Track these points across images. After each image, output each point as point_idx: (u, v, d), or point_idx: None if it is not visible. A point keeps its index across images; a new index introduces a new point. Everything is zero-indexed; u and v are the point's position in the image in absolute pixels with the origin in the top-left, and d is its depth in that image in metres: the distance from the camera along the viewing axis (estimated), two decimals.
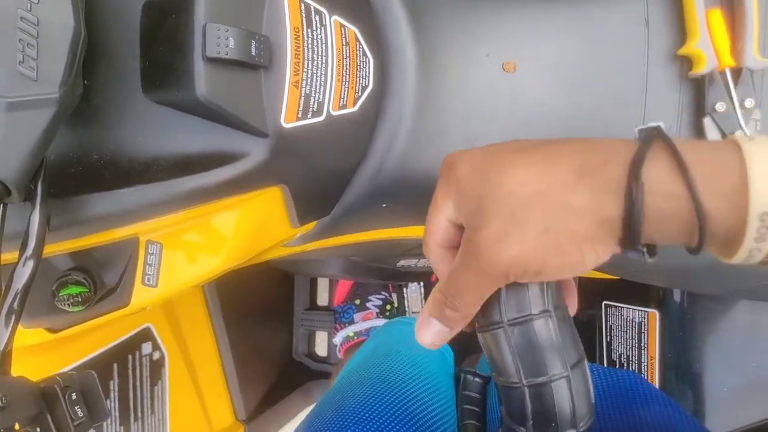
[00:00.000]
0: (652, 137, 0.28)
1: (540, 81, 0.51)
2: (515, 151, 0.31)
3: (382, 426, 0.47)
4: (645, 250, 0.28)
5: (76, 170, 0.39)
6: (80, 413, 0.36)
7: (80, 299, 0.43)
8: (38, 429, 0.32)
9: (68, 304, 0.43)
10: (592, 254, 0.29)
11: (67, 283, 0.43)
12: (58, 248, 0.42)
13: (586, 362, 0.33)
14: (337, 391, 0.54)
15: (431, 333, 0.33)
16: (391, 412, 0.49)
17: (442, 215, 0.33)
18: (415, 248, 0.78)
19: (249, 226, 0.44)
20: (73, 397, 0.36)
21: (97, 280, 0.45)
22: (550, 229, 0.28)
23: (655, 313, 0.78)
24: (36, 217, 0.34)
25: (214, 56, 0.35)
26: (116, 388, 0.68)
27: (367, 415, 0.48)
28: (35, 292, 0.40)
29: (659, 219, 0.27)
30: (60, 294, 0.43)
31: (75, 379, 0.37)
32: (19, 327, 0.39)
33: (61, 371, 0.60)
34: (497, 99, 0.50)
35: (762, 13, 0.49)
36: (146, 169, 0.39)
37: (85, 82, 0.37)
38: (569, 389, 0.32)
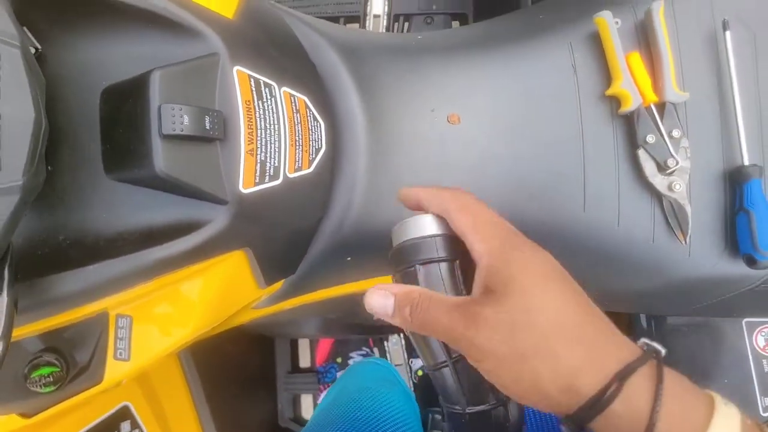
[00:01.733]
0: (649, 356, 0.30)
1: (484, 130, 0.54)
2: (567, 282, 0.33)
3: None
4: (567, 428, 0.30)
5: (42, 252, 0.40)
6: None
7: (52, 379, 0.43)
8: None
9: (40, 385, 0.43)
10: (542, 400, 0.30)
11: (39, 364, 0.43)
12: (27, 330, 0.42)
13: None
14: (309, 430, 0.54)
15: (379, 304, 0.34)
16: None
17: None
18: None
19: (216, 291, 0.45)
20: None
21: (69, 359, 0.45)
22: (538, 358, 0.29)
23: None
24: (3, 301, 0.35)
25: (170, 133, 0.37)
26: None
27: None
28: (6, 376, 0.41)
29: (613, 424, 0.28)
30: (32, 376, 0.43)
31: None
32: None
33: None
34: (445, 149, 0.53)
35: (675, 51, 0.53)
36: (111, 244, 0.41)
37: (48, 167, 0.39)
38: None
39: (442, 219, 0.37)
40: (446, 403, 0.36)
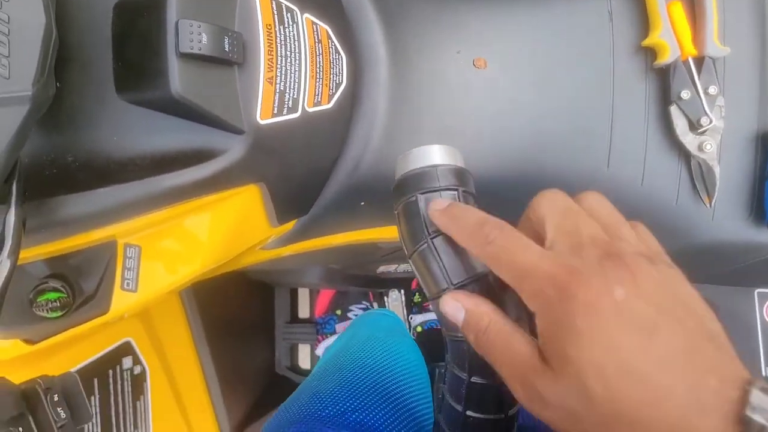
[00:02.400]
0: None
1: (510, 76, 0.52)
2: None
3: (360, 405, 0.47)
4: None
5: (51, 172, 0.39)
6: (63, 414, 0.35)
7: (59, 304, 0.42)
8: (20, 429, 0.31)
9: (46, 310, 0.42)
10: None
11: (45, 290, 0.42)
12: (34, 253, 0.41)
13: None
14: (314, 377, 0.54)
15: (452, 313, 0.32)
16: (370, 393, 0.49)
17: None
18: (394, 252, 0.78)
19: (227, 226, 0.44)
20: (55, 398, 0.35)
21: (75, 286, 0.44)
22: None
23: None
24: (12, 218, 0.34)
25: (187, 52, 0.35)
26: (98, 404, 0.67)
27: (344, 396, 0.48)
28: (11, 300, 0.40)
29: None
30: (38, 300, 0.42)
31: (56, 381, 0.36)
32: None
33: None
34: (469, 95, 0.51)
35: (720, 3, 0.51)
36: (122, 168, 0.39)
37: (58, 84, 0.37)
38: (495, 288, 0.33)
39: (447, 150, 0.36)
40: (448, 332, 0.35)
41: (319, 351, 1.13)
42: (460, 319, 0.31)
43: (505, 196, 0.55)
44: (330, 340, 1.11)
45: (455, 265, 0.33)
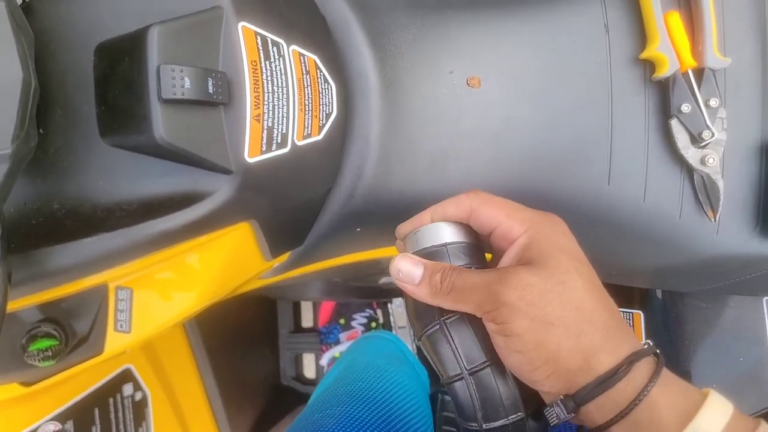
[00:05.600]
0: (653, 350, 0.32)
1: (505, 94, 0.50)
2: (593, 272, 0.34)
3: None
4: (563, 407, 0.31)
5: (37, 221, 0.38)
6: None
7: (50, 353, 0.41)
8: None
9: (38, 359, 0.41)
10: (553, 373, 0.31)
11: (37, 336, 0.42)
12: (23, 303, 0.40)
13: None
14: (315, 409, 0.53)
15: (407, 270, 0.34)
16: (371, 428, 0.48)
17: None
18: None
19: (220, 265, 0.43)
20: None
21: (68, 329, 0.43)
22: (563, 330, 0.31)
23: (639, 314, 0.78)
24: None
25: (170, 98, 0.34)
26: None
27: None
28: (4, 347, 0.39)
29: (612, 400, 0.30)
30: (30, 349, 0.41)
31: None
32: None
33: (40, 422, 0.58)
34: (464, 115, 0.50)
35: (719, 13, 0.49)
36: (109, 215, 0.38)
37: (40, 130, 0.36)
38: (509, 374, 0.33)
39: (455, 227, 0.36)
40: (462, 420, 0.34)
41: (324, 361, 1.12)
42: (418, 274, 0.34)
43: None
44: (334, 350, 1.10)
45: (468, 350, 0.33)
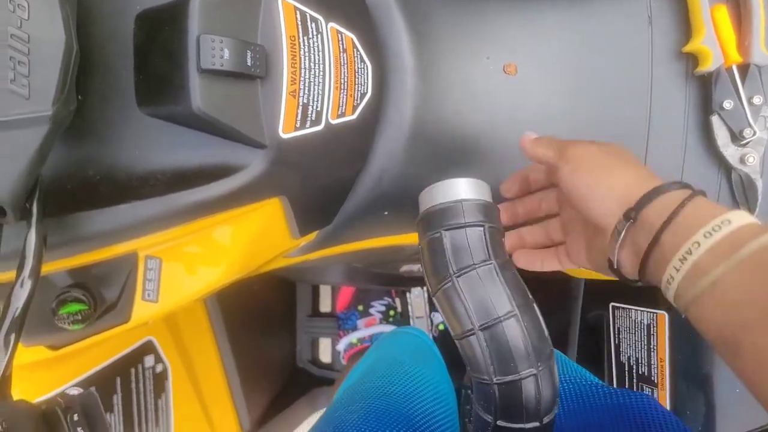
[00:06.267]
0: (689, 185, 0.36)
1: (542, 83, 0.50)
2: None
3: None
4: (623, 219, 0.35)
5: (72, 187, 0.38)
6: None
7: (80, 317, 0.42)
8: None
9: (68, 323, 0.42)
10: (602, 199, 0.37)
11: (67, 300, 0.42)
12: (56, 266, 0.41)
13: (535, 306, 0.35)
14: (337, 406, 0.53)
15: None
16: (395, 424, 0.48)
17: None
18: (418, 253, 0.77)
19: (249, 240, 0.43)
20: (75, 418, 0.35)
21: (97, 296, 0.44)
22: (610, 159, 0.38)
23: (664, 315, 0.76)
24: (32, 237, 0.33)
25: (209, 68, 0.34)
26: (119, 403, 0.67)
27: (370, 428, 0.47)
28: (35, 310, 0.39)
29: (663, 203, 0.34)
30: (60, 312, 0.42)
31: (76, 401, 0.36)
32: (20, 345, 0.39)
33: (64, 387, 0.59)
34: (498, 102, 0.49)
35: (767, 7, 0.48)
36: (143, 184, 0.38)
37: (79, 96, 0.36)
38: (521, 327, 0.33)
39: (471, 184, 0.35)
40: (474, 373, 0.34)
41: (340, 347, 1.13)
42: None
43: None
44: (351, 336, 1.10)
45: (480, 305, 0.32)
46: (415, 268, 0.93)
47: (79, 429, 0.35)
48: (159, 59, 0.36)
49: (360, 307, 1.13)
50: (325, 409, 0.56)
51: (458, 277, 0.33)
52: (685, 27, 0.49)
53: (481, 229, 0.34)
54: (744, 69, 0.48)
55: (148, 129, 0.39)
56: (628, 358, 0.83)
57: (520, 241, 0.47)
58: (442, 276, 0.34)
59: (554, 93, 0.50)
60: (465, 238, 0.34)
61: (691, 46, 0.48)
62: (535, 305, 0.35)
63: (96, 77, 0.38)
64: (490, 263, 0.34)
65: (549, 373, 0.33)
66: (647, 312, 0.79)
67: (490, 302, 0.32)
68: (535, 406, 0.32)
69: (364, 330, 1.10)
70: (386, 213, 0.52)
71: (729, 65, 0.48)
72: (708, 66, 0.47)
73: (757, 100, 0.47)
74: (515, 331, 0.32)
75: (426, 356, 0.62)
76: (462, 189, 0.35)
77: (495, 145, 0.50)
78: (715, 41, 0.47)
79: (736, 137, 0.48)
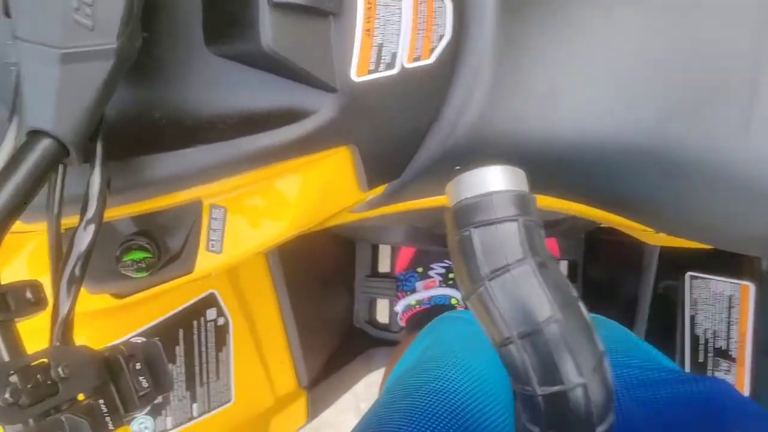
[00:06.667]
0: None
1: (638, 23, 0.45)
2: None
3: None
4: None
5: (136, 129, 0.37)
6: (144, 384, 0.34)
7: (144, 265, 0.41)
8: (101, 400, 0.30)
9: (132, 270, 0.42)
10: None
11: (131, 248, 0.42)
12: (119, 212, 0.40)
13: (581, 305, 0.31)
14: (382, 402, 0.50)
15: None
16: (442, 423, 0.45)
17: None
18: None
19: (316, 189, 0.41)
20: (138, 367, 0.34)
21: (161, 245, 0.43)
22: None
23: (748, 286, 0.71)
24: (96, 179, 0.32)
25: (280, 1, 0.31)
26: (182, 354, 0.68)
27: (414, 428, 0.44)
28: (99, 257, 0.39)
29: None
30: (123, 259, 0.41)
31: (139, 349, 0.35)
32: (84, 292, 0.38)
33: (127, 337, 0.60)
34: (587, 45, 0.45)
35: None
36: (210, 127, 0.37)
37: (145, 34, 0.35)
38: (564, 333, 0.29)
39: (504, 171, 0.31)
40: (516, 383, 0.30)
41: (399, 308, 1.11)
42: None
43: (619, 169, 0.48)
44: (410, 299, 1.09)
45: (517, 311, 0.29)
46: None
47: (140, 377, 0.34)
48: None
49: (419, 269, 1.11)
50: (383, 372, 0.55)
51: (491, 280, 0.30)
52: None
53: (516, 223, 0.30)
54: None
55: (216, 69, 0.37)
56: (705, 330, 0.78)
57: None
58: (474, 280, 0.31)
59: (652, 35, 0.44)
60: (497, 236, 0.30)
61: None
62: (581, 304, 0.31)
63: (162, 14, 0.37)
64: (527, 263, 0.30)
65: (600, 380, 0.30)
66: (729, 282, 0.74)
67: (529, 307, 0.29)
68: (586, 417, 0.29)
69: (423, 292, 1.08)
70: (458, 168, 0.49)
71: None
72: None
73: None
74: (558, 339, 0.29)
75: (478, 344, 0.59)
76: (492, 179, 0.31)
77: (578, 96, 0.46)
78: None
79: None
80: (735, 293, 0.73)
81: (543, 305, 0.29)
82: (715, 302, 0.76)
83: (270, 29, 0.32)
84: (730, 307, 0.74)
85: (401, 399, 0.49)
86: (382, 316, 1.22)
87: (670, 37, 0.44)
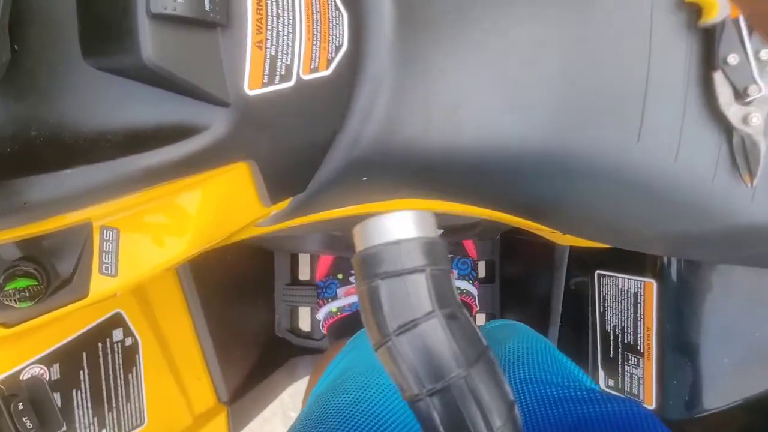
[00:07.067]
0: None
1: (533, 38, 0.46)
2: None
3: None
4: None
5: (12, 149, 0.34)
6: (29, 425, 0.32)
7: (28, 294, 0.38)
8: None
9: (15, 300, 0.38)
10: None
11: (15, 274, 0.39)
12: (1, 238, 0.37)
13: (491, 354, 0.31)
14: (302, 425, 0.49)
15: None
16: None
17: None
18: None
19: (214, 208, 0.39)
20: (20, 407, 0.32)
21: (50, 270, 0.40)
22: None
23: (651, 283, 0.75)
24: None
25: (160, 12, 0.30)
26: (86, 379, 0.64)
27: None
28: None
29: None
30: (6, 288, 0.38)
31: (22, 386, 0.33)
32: None
33: (24, 365, 0.56)
34: (484, 54, 0.45)
35: None
36: (92, 146, 0.34)
37: (15, 47, 0.32)
38: (475, 388, 0.29)
39: (411, 218, 0.32)
40: None
41: (320, 316, 1.10)
42: None
43: (523, 176, 0.50)
44: (331, 305, 1.08)
45: (423, 369, 0.29)
46: None
47: (24, 418, 0.32)
48: (104, 2, 0.32)
49: (340, 276, 1.11)
50: (306, 384, 0.54)
51: (399, 335, 0.30)
52: None
53: (423, 275, 0.30)
54: None
55: (95, 83, 0.34)
56: (614, 327, 0.82)
57: None
58: (382, 333, 0.30)
59: (546, 48, 0.46)
60: (405, 288, 0.30)
61: None
62: (491, 353, 0.31)
63: (34, 25, 0.34)
64: (435, 316, 0.30)
65: (510, 430, 0.30)
66: (634, 280, 0.78)
67: (436, 363, 0.29)
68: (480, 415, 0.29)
69: (344, 299, 1.07)
70: (365, 179, 0.48)
71: (735, 16, 0.44)
72: (713, 17, 0.44)
73: (765, 54, 0.44)
74: (466, 394, 0.29)
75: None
76: (400, 225, 0.31)
77: (479, 106, 0.46)
78: None
79: (740, 95, 0.45)
80: (639, 290, 0.77)
81: (450, 361, 0.29)
82: (622, 299, 0.80)
83: (150, 41, 0.30)
84: (636, 304, 0.78)
85: (318, 425, 0.48)
86: (304, 323, 1.20)
87: (565, 54, 0.46)
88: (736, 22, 0.44)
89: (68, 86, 0.34)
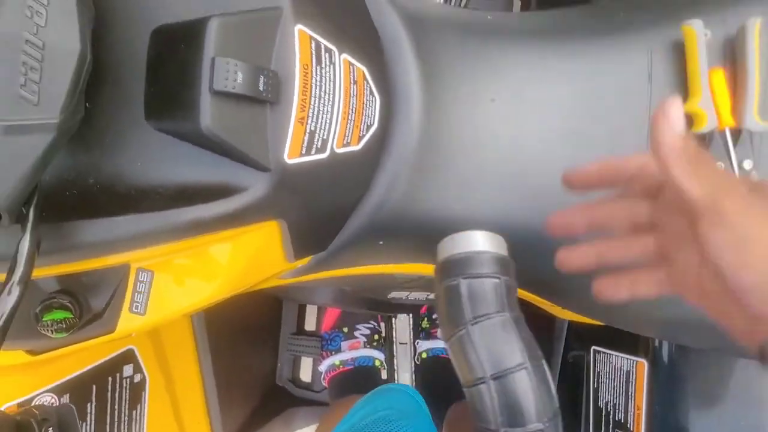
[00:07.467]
0: None
1: (541, 129, 0.51)
2: None
3: None
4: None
5: (71, 194, 0.38)
6: None
7: (64, 326, 0.42)
8: None
9: (51, 330, 0.41)
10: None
11: (52, 306, 0.42)
12: (46, 272, 0.41)
13: (544, 362, 0.36)
14: None
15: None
16: None
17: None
18: (409, 282, 0.77)
19: (243, 260, 0.43)
20: (50, 431, 0.34)
21: (83, 304, 0.43)
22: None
23: (643, 363, 0.77)
24: (26, 243, 0.33)
25: (221, 90, 0.34)
26: (93, 411, 0.66)
27: None
28: (18, 314, 0.39)
29: None
30: (44, 319, 0.41)
31: (52, 412, 0.36)
32: None
33: (37, 392, 0.58)
34: (500, 145, 0.50)
35: (763, 75, 0.49)
36: (143, 197, 0.38)
37: (87, 105, 0.37)
38: (531, 381, 0.34)
39: (492, 237, 0.37)
40: (480, 423, 0.34)
41: (322, 367, 1.11)
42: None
43: (531, 244, 0.53)
44: (334, 358, 1.09)
45: (493, 354, 0.33)
46: (404, 295, 0.93)
47: None
48: (171, 75, 0.37)
49: (345, 329, 1.13)
50: None
51: (473, 324, 0.34)
52: (684, 88, 0.50)
53: (498, 280, 0.35)
54: (736, 133, 0.49)
55: (153, 142, 0.39)
56: (606, 403, 0.84)
57: (599, 259, 0.39)
58: (457, 323, 0.35)
59: (554, 139, 0.51)
60: (482, 288, 0.35)
61: (688, 107, 0.49)
62: (544, 362, 0.35)
63: (106, 87, 0.39)
64: (505, 314, 0.35)
65: (554, 429, 0.34)
66: (627, 358, 0.80)
67: (503, 352, 0.34)
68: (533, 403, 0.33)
69: (347, 353, 1.09)
70: (381, 243, 0.52)
71: (722, 128, 0.49)
72: (702, 128, 0.48)
73: (747, 164, 0.48)
74: (525, 384, 0.34)
75: (413, 414, 0.61)
76: (482, 241, 0.37)
77: (492, 185, 0.51)
78: (711, 104, 0.48)
79: None
80: (632, 369, 0.79)
81: (515, 353, 0.34)
82: (616, 376, 0.82)
83: (210, 113, 0.34)
84: (627, 382, 0.80)
85: None
86: (305, 374, 1.21)
87: (571, 148, 0.51)
88: (722, 133, 0.49)
89: (128, 142, 0.39)
